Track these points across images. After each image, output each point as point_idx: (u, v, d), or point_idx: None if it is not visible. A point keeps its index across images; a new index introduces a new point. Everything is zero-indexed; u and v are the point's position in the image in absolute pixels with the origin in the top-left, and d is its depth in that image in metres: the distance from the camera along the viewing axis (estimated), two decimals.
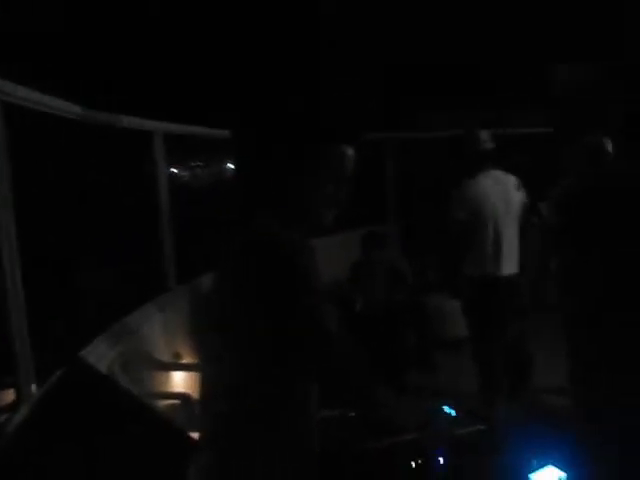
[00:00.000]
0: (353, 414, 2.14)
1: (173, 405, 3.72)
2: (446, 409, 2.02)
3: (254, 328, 1.77)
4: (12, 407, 2.68)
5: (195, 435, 3.12)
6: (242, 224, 1.92)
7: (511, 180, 5.08)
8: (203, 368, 2.01)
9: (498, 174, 5.08)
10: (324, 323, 1.75)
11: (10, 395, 2.79)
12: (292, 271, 1.74)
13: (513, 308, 5.03)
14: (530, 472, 2.02)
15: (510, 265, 4.98)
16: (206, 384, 1.97)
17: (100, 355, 3.28)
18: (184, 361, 4.32)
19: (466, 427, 1.97)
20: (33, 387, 2.75)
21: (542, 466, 2.03)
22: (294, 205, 1.91)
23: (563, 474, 2.04)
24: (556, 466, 2.03)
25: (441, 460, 1.88)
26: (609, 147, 3.96)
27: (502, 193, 4.99)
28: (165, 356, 4.13)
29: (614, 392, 2.53)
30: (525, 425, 2.19)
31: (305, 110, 1.95)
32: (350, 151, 1.95)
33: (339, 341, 1.76)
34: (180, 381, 4.14)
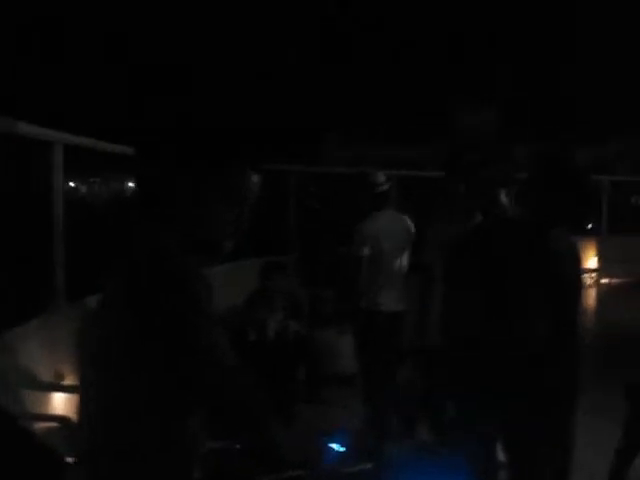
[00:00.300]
0: (238, 446, 2.09)
1: (50, 428, 3.55)
2: (334, 445, 2.00)
3: (139, 352, 1.71)
4: None
5: (71, 460, 3.00)
6: (137, 244, 1.86)
7: (403, 220, 5.37)
8: (83, 388, 1.91)
9: (393, 213, 5.38)
10: (217, 352, 1.71)
11: None
12: (183, 294, 1.69)
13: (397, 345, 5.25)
14: None
15: (399, 301, 5.20)
16: (86, 403, 1.88)
17: None
18: (66, 382, 4.14)
19: (354, 464, 1.95)
20: None
21: None
22: (193, 229, 1.86)
23: None
24: None
25: None
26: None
27: (396, 232, 5.25)
28: (46, 376, 3.96)
29: None
30: (413, 464, 2.19)
31: (210, 132, 1.92)
32: (255, 177, 1.93)
33: (234, 371, 1.72)
34: (60, 403, 3.97)
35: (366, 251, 5.13)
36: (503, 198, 3.71)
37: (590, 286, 12.51)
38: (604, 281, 13.18)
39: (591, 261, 12.68)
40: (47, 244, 4.45)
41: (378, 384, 5.13)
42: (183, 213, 1.85)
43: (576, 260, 3.19)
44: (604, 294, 12.45)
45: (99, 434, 1.79)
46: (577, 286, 3.19)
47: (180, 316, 1.67)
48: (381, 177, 5.35)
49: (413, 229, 5.34)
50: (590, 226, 9.96)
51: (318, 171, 12.27)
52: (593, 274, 12.89)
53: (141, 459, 1.75)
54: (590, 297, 12.01)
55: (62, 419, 3.60)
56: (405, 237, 5.29)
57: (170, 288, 1.68)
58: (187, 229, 1.84)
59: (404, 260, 5.27)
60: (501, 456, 3.03)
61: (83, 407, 1.86)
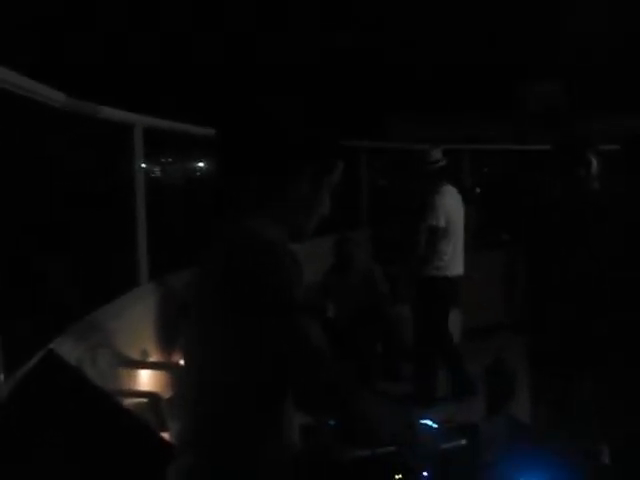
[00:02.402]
0: (332, 422, 2.10)
1: (141, 404, 3.66)
2: (427, 421, 2.00)
3: (238, 332, 1.73)
4: None
5: (165, 435, 3.08)
6: (224, 225, 1.88)
7: (458, 195, 5.97)
8: (181, 368, 1.97)
9: (451, 188, 5.88)
10: (313, 337, 1.72)
11: None
12: (279, 274, 1.71)
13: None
14: None
15: (460, 266, 5.89)
16: (185, 384, 1.93)
17: (70, 348, 3.21)
18: (151, 359, 4.25)
19: (450, 440, 1.95)
20: (1, 377, 2.68)
21: None
22: (280, 213, 1.87)
23: None
24: None
25: (425, 475, 1.86)
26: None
27: (459, 206, 5.90)
28: (133, 353, 4.06)
29: None
30: (510, 439, 2.16)
31: (307, 124, 1.92)
32: (340, 163, 1.94)
33: (324, 350, 1.74)
34: (148, 379, 4.08)
35: (442, 223, 5.61)
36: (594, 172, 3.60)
37: None
38: None
39: None
40: (129, 224, 4.56)
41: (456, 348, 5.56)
42: (270, 197, 1.86)
43: None
44: None
45: (200, 413, 1.83)
46: None
47: (276, 293, 1.69)
48: (437, 153, 5.63)
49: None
50: None
51: (385, 147, 12.17)
52: None
53: (241, 439, 1.79)
54: None
55: (150, 395, 3.72)
56: (462, 210, 5.90)
57: (266, 268, 1.70)
58: (277, 214, 1.86)
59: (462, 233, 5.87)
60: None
61: (184, 384, 1.91)
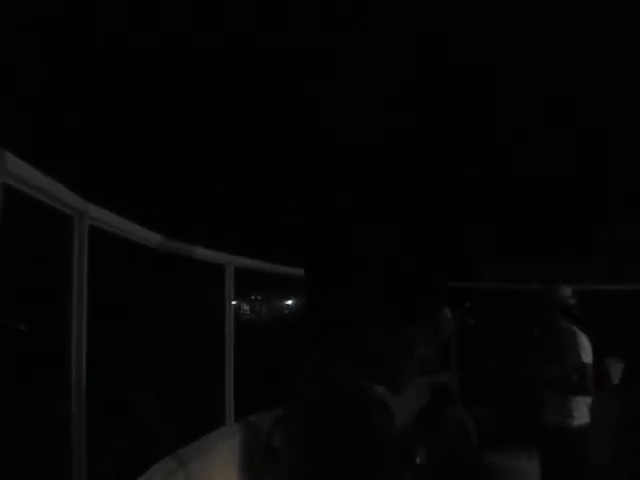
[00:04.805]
0: None
1: None
2: None
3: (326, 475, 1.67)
4: None
5: None
6: (318, 371, 1.83)
7: (584, 337, 5.17)
8: None
9: (576, 330, 5.20)
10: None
11: None
12: (365, 429, 1.64)
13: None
14: None
15: (586, 415, 5.11)
16: None
17: None
18: None
19: None
20: None
21: None
22: (379, 361, 1.80)
23: None
24: None
25: None
26: None
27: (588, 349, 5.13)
28: None
29: None
30: None
31: (418, 271, 1.86)
32: (448, 313, 1.87)
33: None
34: None
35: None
36: None
37: None
38: None
39: None
40: (219, 363, 4.58)
41: None
42: (371, 343, 1.80)
43: None
44: None
45: None
46: None
47: (364, 450, 1.62)
48: (568, 291, 5.28)
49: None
50: None
51: (477, 287, 11.97)
52: None
53: None
54: None
55: None
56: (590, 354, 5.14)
57: (350, 421, 1.64)
58: (372, 359, 1.79)
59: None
60: None
61: None
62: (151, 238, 3.52)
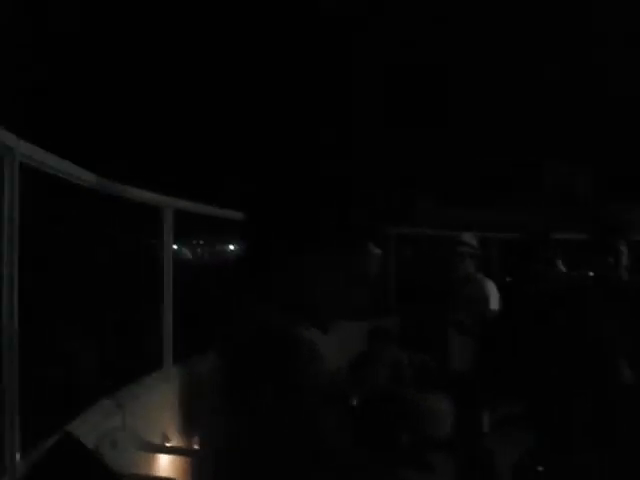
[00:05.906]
0: None
1: None
2: None
3: (257, 419, 1.68)
4: None
5: None
6: (249, 311, 1.84)
7: (493, 285, 5.55)
8: (200, 453, 1.92)
9: (484, 278, 5.57)
10: (329, 438, 1.66)
11: None
12: (309, 373, 1.65)
13: None
14: None
15: None
16: (204, 469, 1.88)
17: (88, 430, 3.16)
18: (171, 444, 4.17)
19: None
20: (17, 456, 2.62)
21: None
22: (309, 300, 1.81)
23: None
24: None
25: None
26: None
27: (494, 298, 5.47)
28: (153, 437, 3.99)
29: None
30: None
31: (338, 205, 1.85)
32: (377, 250, 1.86)
33: (345, 452, 1.67)
34: (167, 465, 3.99)
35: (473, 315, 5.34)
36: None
37: None
38: None
39: None
40: (156, 305, 4.54)
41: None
42: (297, 282, 1.80)
43: None
44: None
45: None
46: None
47: (286, 392, 1.64)
48: (473, 239, 5.38)
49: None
50: None
51: (414, 233, 12.06)
52: None
53: None
54: None
55: None
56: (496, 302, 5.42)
57: (280, 365, 1.65)
58: (302, 298, 1.80)
59: None
60: None
61: (203, 469, 1.86)
62: (86, 177, 3.42)
